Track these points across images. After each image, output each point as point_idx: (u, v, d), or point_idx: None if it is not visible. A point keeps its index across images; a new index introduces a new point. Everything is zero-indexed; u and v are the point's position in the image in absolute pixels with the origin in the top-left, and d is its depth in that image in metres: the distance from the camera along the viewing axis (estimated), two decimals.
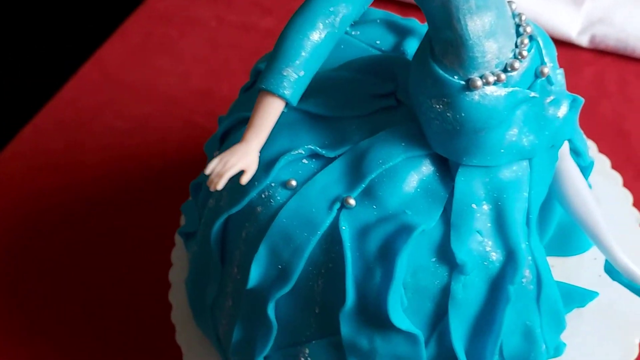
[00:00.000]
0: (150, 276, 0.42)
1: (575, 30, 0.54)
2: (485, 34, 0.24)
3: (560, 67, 0.29)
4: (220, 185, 0.24)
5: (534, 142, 0.27)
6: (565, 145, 0.30)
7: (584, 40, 0.54)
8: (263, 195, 0.28)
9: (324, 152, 0.28)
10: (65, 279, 0.44)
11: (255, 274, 0.28)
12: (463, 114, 0.25)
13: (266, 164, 0.29)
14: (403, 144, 0.28)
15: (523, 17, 0.26)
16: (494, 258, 0.27)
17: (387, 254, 0.26)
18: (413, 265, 0.26)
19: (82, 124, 0.56)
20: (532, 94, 0.26)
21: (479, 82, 0.25)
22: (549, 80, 0.27)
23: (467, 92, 0.25)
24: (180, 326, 0.36)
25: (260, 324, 0.29)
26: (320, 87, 0.30)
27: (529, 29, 0.26)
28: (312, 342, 0.29)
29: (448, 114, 0.26)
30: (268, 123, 0.25)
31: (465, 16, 0.23)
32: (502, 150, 0.26)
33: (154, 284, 0.41)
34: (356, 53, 0.32)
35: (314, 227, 0.27)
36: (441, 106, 0.26)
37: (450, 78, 0.25)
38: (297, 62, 0.25)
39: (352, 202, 0.27)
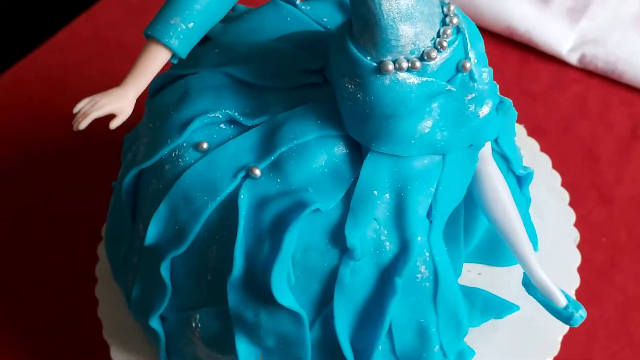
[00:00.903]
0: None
1: (566, 47, 0.53)
2: (401, 16, 0.23)
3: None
4: (82, 125, 0.23)
5: (448, 138, 0.26)
6: (488, 148, 0.29)
7: (573, 58, 0.53)
8: (173, 154, 0.28)
9: (241, 119, 0.28)
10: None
11: (153, 232, 0.28)
12: (373, 97, 0.25)
13: (182, 124, 0.28)
14: (319, 122, 0.27)
15: (452, 7, 0.25)
16: (387, 248, 0.26)
17: (278, 228, 0.25)
18: (305, 243, 0.26)
19: (65, 75, 0.57)
20: (449, 87, 0.25)
21: (391, 66, 0.24)
22: (471, 76, 0.26)
23: (378, 75, 0.24)
24: (102, 280, 0.36)
25: (155, 283, 0.29)
26: (253, 55, 0.30)
27: (455, 21, 0.25)
28: (203, 308, 0.28)
29: (359, 95, 0.25)
30: (150, 70, 0.24)
31: None
32: (413, 141, 0.26)
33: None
34: (301, 27, 0.31)
35: (215, 193, 0.27)
36: (353, 86, 0.25)
37: (363, 58, 0.24)
38: (188, 12, 0.24)
39: (257, 172, 0.26)
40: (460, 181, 0.28)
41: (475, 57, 0.26)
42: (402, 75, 0.24)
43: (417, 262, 0.26)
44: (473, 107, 0.26)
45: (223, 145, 0.28)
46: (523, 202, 0.35)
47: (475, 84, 0.26)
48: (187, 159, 0.28)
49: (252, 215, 0.26)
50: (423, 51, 0.24)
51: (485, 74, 0.26)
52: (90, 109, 0.23)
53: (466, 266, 0.36)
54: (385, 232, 0.26)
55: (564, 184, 0.39)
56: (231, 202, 0.26)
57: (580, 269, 0.37)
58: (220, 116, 0.28)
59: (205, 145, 0.28)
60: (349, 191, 0.26)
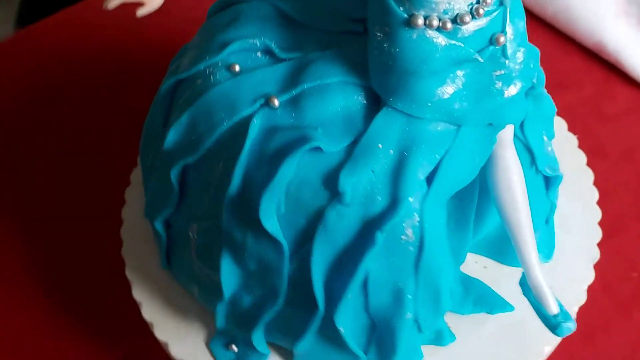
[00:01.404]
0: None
1: None
2: None
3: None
4: (111, 6, 0.25)
5: (467, 109, 0.26)
6: (509, 133, 0.28)
7: None
8: (207, 71, 0.30)
9: (277, 51, 0.29)
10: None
11: (172, 138, 0.30)
12: (398, 49, 0.25)
13: (222, 44, 0.30)
14: (346, 68, 0.27)
15: None
16: (377, 201, 0.26)
17: (278, 156, 0.26)
18: (301, 178, 0.27)
19: None
20: (477, 57, 0.25)
21: (421, 21, 0.24)
22: (503, 51, 0.25)
23: (407, 28, 0.24)
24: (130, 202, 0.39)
25: (165, 187, 0.31)
26: None
27: None
28: (202, 221, 0.30)
29: (385, 45, 0.25)
30: None
31: None
32: (429, 104, 0.26)
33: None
34: None
35: (233, 113, 0.28)
36: (382, 35, 0.25)
37: (396, 7, 0.24)
38: None
39: (276, 102, 0.27)
40: (472, 159, 0.27)
41: (513, 33, 0.25)
42: (431, 33, 0.24)
43: (404, 223, 0.26)
44: (500, 84, 0.26)
45: (253, 72, 0.29)
46: (547, 205, 0.34)
47: (507, 61, 0.26)
48: (217, 77, 0.29)
49: (259, 141, 0.27)
50: (457, 14, 0.24)
51: (520, 54, 0.26)
52: None
53: (473, 257, 0.36)
54: (379, 185, 0.26)
55: (600, 203, 0.38)
56: (244, 125, 0.27)
57: (595, 292, 0.35)
58: (258, 44, 0.29)
59: (237, 68, 0.29)
60: (357, 140, 0.27)
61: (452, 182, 0.27)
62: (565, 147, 0.40)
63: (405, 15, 0.24)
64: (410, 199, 0.26)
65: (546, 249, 0.35)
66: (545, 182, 0.33)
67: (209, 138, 0.28)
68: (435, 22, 0.24)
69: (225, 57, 0.29)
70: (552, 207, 0.35)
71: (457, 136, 0.26)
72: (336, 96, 0.27)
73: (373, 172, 0.26)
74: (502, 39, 0.25)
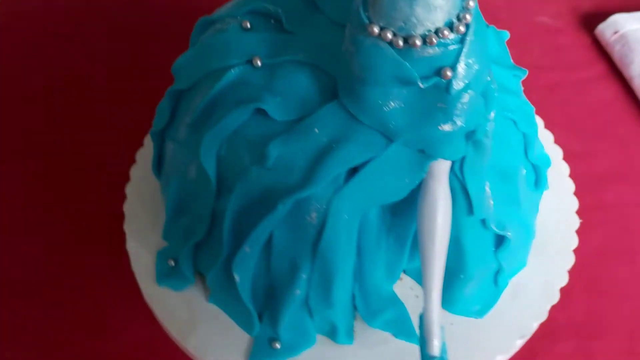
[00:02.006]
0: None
1: None
2: None
3: None
4: None
5: (401, 127, 0.27)
6: (444, 166, 0.29)
7: None
8: (227, 20, 0.33)
9: (284, 21, 0.32)
10: None
11: (178, 62, 0.34)
12: (354, 51, 0.27)
13: (246, 4, 0.33)
14: (327, 56, 0.30)
15: (467, 17, 0.25)
16: (293, 176, 0.28)
17: (231, 106, 0.30)
18: (245, 132, 0.30)
19: None
20: (418, 82, 0.26)
21: (376, 30, 0.25)
22: (447, 86, 0.26)
23: (364, 33, 0.26)
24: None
25: (164, 102, 0.35)
26: None
27: (461, 29, 0.25)
28: (176, 142, 0.34)
29: (348, 44, 0.27)
30: None
31: None
32: (369, 111, 0.27)
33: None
34: None
35: (223, 59, 0.31)
36: (349, 34, 0.27)
37: (362, 12, 0.26)
38: None
39: (258, 63, 0.30)
40: (400, 178, 0.28)
41: (464, 74, 0.26)
42: (382, 44, 0.26)
43: (311, 205, 0.28)
44: (440, 116, 0.27)
45: (257, 33, 0.32)
46: (494, 264, 0.34)
47: (449, 97, 0.26)
48: (230, 27, 0.33)
49: (227, 89, 0.31)
50: (411, 35, 0.25)
51: (467, 95, 0.26)
52: None
53: (411, 283, 0.37)
54: (301, 163, 0.28)
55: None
56: (225, 72, 0.31)
57: None
58: (272, 11, 0.32)
59: (248, 25, 0.32)
60: (301, 119, 0.29)
61: (372, 191, 0.29)
62: None
63: (366, 21, 0.26)
64: (322, 185, 0.28)
65: (481, 305, 0.35)
66: (495, 240, 0.33)
67: (199, 73, 0.32)
68: (389, 36, 0.25)
69: (244, 14, 0.33)
70: (501, 270, 0.34)
71: (387, 149, 0.28)
72: (305, 77, 0.30)
73: (301, 150, 0.28)
74: (448, 74, 0.26)
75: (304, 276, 0.30)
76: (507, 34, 0.36)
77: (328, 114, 0.28)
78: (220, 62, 0.31)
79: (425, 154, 0.28)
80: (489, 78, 0.29)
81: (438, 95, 0.26)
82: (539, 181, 0.36)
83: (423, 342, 0.31)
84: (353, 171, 0.29)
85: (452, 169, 0.29)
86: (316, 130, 0.28)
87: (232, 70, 0.31)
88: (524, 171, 0.34)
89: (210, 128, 0.30)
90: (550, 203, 0.38)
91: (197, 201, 0.32)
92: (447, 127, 0.27)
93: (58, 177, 0.47)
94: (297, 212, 0.29)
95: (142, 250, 0.36)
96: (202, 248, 0.34)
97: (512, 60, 0.36)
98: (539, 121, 0.42)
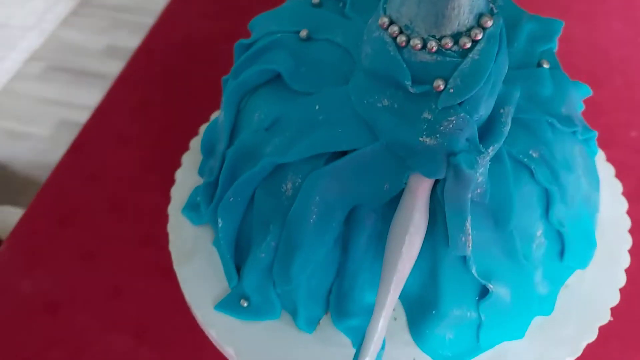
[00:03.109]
0: None
1: None
2: None
3: None
4: None
5: (387, 126, 0.26)
6: (422, 185, 0.27)
7: None
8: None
9: (347, 8, 0.33)
10: None
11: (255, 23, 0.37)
12: (365, 38, 0.27)
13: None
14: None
15: (476, 33, 0.24)
16: (282, 146, 0.29)
17: (259, 59, 0.31)
18: (261, 92, 0.31)
19: None
20: (407, 84, 0.25)
21: (385, 22, 0.25)
22: (436, 98, 0.25)
23: (377, 23, 0.26)
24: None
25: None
26: None
27: (467, 44, 0.24)
28: None
29: (365, 31, 0.27)
30: None
31: None
32: (364, 102, 0.27)
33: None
34: None
35: (282, 26, 0.33)
36: (370, 21, 0.27)
37: (382, 5, 0.26)
38: None
39: (304, 34, 0.32)
40: (379, 180, 0.28)
41: (456, 91, 0.24)
42: (387, 38, 0.25)
43: (287, 175, 0.29)
44: (422, 128, 0.26)
45: (320, 9, 0.33)
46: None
47: (437, 111, 0.25)
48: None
49: (267, 48, 0.32)
50: (414, 35, 0.25)
51: (454, 117, 0.25)
52: None
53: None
54: (293, 135, 0.29)
55: None
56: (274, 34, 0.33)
57: None
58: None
59: (317, 1, 0.34)
60: (311, 94, 0.30)
61: (350, 185, 0.28)
62: None
63: (381, 12, 0.26)
64: (302, 161, 0.28)
65: (453, 354, 0.32)
66: (479, 287, 0.30)
67: (264, 30, 0.34)
68: (395, 32, 0.25)
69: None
70: (482, 325, 0.31)
71: (371, 147, 0.27)
72: (333, 57, 0.31)
73: (297, 120, 0.29)
74: (440, 86, 0.24)
75: (272, 243, 0.31)
76: (587, 90, 0.32)
77: (333, 95, 0.29)
78: (278, 26, 0.33)
79: (405, 164, 0.27)
80: (502, 110, 0.26)
81: (427, 104, 0.25)
82: (565, 253, 0.32)
83: (356, 353, 0.30)
84: (336, 159, 0.29)
85: (434, 189, 0.28)
86: (317, 107, 0.29)
87: (279, 35, 0.32)
88: (540, 232, 0.30)
89: (235, 78, 0.32)
90: None
91: (218, 145, 0.35)
92: (428, 140, 0.25)
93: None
94: (276, 177, 0.30)
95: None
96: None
97: (579, 117, 0.32)
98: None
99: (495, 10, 0.25)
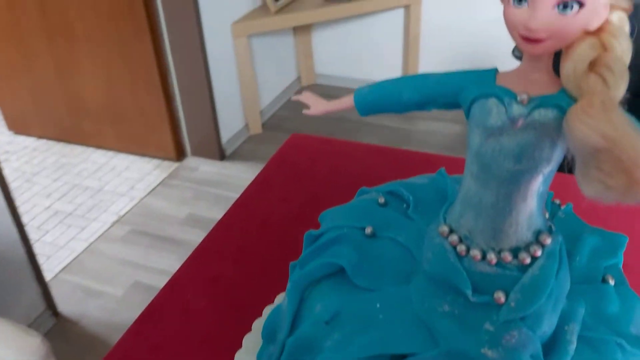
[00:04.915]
0: None
1: None
2: (469, 204, 0.26)
3: None
4: (296, 97, 0.36)
5: (447, 332, 0.27)
6: None
7: None
8: (372, 194, 0.38)
9: (410, 211, 0.35)
10: None
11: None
12: (427, 242, 0.28)
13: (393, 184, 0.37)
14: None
15: (538, 250, 0.25)
16: None
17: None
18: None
19: None
20: (468, 293, 0.26)
21: (446, 231, 0.27)
22: (497, 312, 0.25)
23: (438, 230, 0.28)
24: None
25: None
26: None
27: (527, 260, 0.25)
28: None
29: (426, 236, 0.29)
30: (341, 103, 0.34)
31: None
32: (425, 307, 0.28)
33: None
34: None
35: (353, 220, 0.36)
36: (430, 227, 0.29)
37: (442, 213, 0.28)
38: (375, 93, 0.32)
39: (369, 231, 0.34)
40: None
41: (521, 309, 0.25)
42: (447, 246, 0.27)
43: None
44: (484, 339, 0.26)
45: (385, 208, 0.36)
46: None
47: (498, 323, 0.25)
48: (371, 198, 0.37)
49: (332, 242, 0.34)
50: (473, 245, 0.26)
51: (517, 331, 0.25)
52: (305, 95, 0.36)
53: None
54: (350, 329, 0.30)
55: None
56: (343, 229, 0.35)
57: None
58: (404, 196, 0.36)
59: (382, 200, 0.36)
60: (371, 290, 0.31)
61: None
62: None
63: (442, 220, 0.27)
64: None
65: None
66: None
67: (333, 224, 0.36)
68: (454, 239, 0.26)
69: (385, 192, 0.37)
70: None
71: (431, 353, 0.27)
72: (394, 255, 0.32)
73: (356, 317, 0.30)
74: (501, 298, 0.25)
75: None
76: None
77: (395, 295, 0.30)
78: (346, 220, 0.36)
79: None
80: (566, 327, 0.26)
81: (488, 315, 0.26)
82: None
83: None
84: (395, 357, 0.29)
85: None
86: (378, 305, 0.30)
87: (346, 230, 0.34)
88: None
89: (302, 268, 0.33)
90: None
91: (279, 332, 0.35)
92: (490, 353, 0.25)
93: None
94: None
95: None
96: None
97: None
98: None
99: (553, 228, 0.26)
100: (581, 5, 0.22)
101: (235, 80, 1.65)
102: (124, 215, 1.46)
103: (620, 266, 0.32)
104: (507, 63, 1.63)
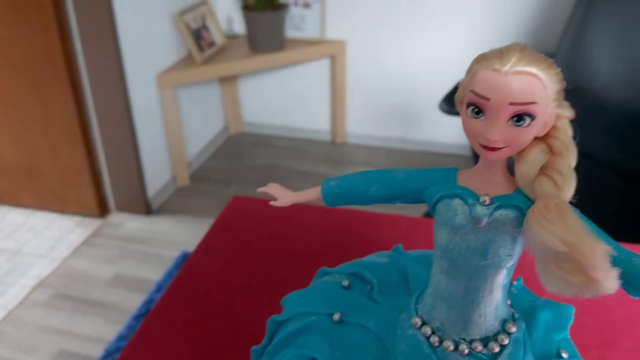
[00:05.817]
0: None
1: None
2: (440, 297, 0.27)
3: None
4: (260, 189, 0.36)
5: None
6: None
7: None
8: (335, 275, 0.39)
9: (375, 291, 0.36)
10: None
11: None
12: (399, 334, 0.29)
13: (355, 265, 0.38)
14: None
15: (505, 339, 0.27)
16: None
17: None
18: None
19: None
20: None
21: (419, 323, 0.28)
22: None
23: (410, 322, 0.29)
24: None
25: None
26: None
27: (495, 348, 0.26)
28: None
29: (399, 328, 0.30)
30: (307, 195, 0.35)
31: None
32: None
33: None
34: None
35: (317, 306, 0.36)
36: (401, 318, 0.30)
37: (414, 304, 0.29)
38: (342, 186, 0.33)
39: (336, 318, 0.35)
40: None
41: None
42: (421, 338, 0.28)
43: None
44: None
45: (349, 291, 0.37)
46: None
47: None
48: (334, 281, 0.38)
49: (302, 331, 0.35)
50: (445, 337, 0.27)
51: None
52: (271, 187, 0.37)
53: None
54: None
55: None
56: (309, 316, 0.36)
57: None
58: (368, 279, 0.37)
59: (346, 283, 0.37)
60: None
61: None
62: None
63: (414, 313, 0.29)
64: None
65: None
66: None
67: (296, 310, 0.37)
68: (427, 331, 0.28)
69: (348, 274, 0.38)
70: None
71: None
72: (365, 343, 0.33)
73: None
74: None
75: None
76: None
77: None
78: (311, 307, 0.36)
79: None
80: None
81: None
82: None
83: None
84: None
85: None
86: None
87: (314, 317, 0.35)
88: None
89: (271, 359, 0.34)
90: None
91: None
92: None
93: None
94: None
95: None
96: None
97: None
98: None
99: (516, 315, 0.28)
100: (532, 117, 0.25)
101: (161, 131, 1.62)
102: (45, 278, 1.38)
103: (568, 337, 0.35)
104: (430, 110, 1.69)
